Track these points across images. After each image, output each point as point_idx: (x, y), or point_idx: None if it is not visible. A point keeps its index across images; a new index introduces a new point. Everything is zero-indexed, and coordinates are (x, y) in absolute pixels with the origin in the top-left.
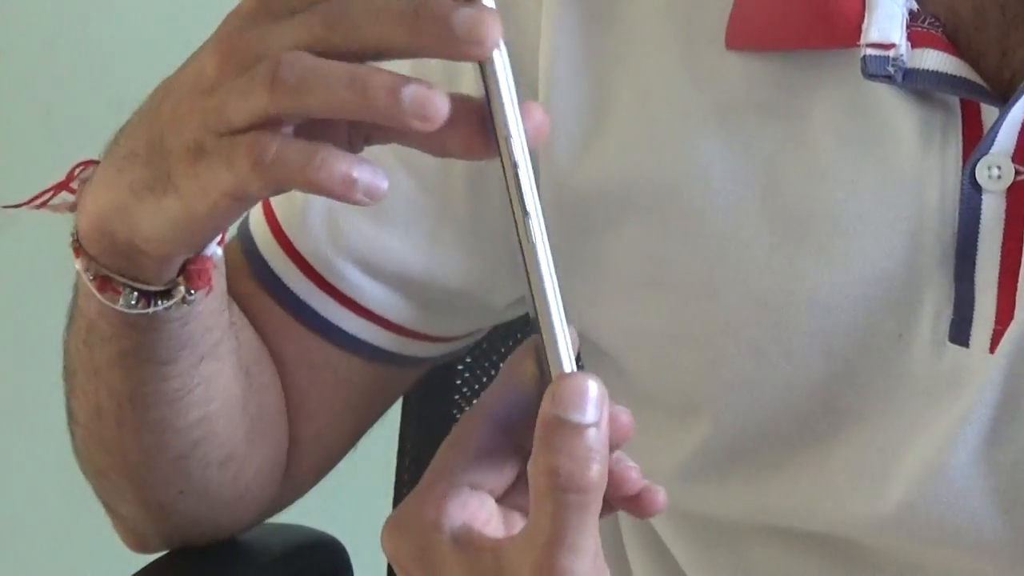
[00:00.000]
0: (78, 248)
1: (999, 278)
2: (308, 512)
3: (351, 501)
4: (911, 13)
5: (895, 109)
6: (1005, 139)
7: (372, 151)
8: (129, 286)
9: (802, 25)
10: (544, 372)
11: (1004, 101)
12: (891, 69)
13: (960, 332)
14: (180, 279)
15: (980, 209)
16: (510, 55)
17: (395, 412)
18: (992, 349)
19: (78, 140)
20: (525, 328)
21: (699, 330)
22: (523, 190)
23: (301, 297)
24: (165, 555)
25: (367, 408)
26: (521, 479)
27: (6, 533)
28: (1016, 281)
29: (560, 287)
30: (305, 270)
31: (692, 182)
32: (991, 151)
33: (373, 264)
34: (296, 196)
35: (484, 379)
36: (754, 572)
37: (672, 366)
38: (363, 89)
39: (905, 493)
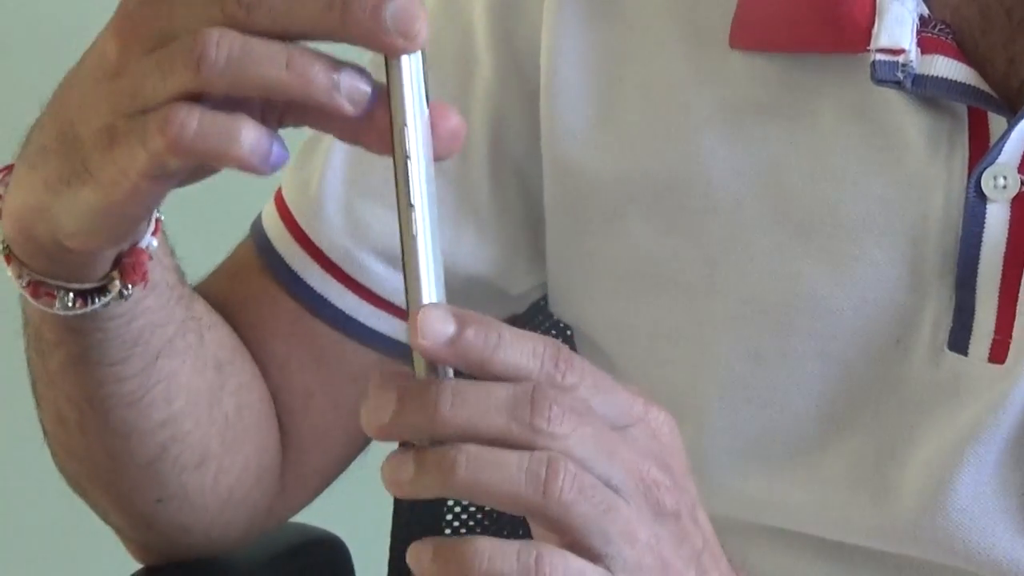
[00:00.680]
0: (8, 255)
1: (1000, 288)
2: (309, 510)
3: (353, 499)
4: (921, 19)
5: (903, 115)
6: (1012, 150)
7: None
8: (63, 287)
9: (810, 28)
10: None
11: (1012, 110)
12: (900, 75)
13: (959, 340)
14: (114, 274)
15: (984, 218)
16: (513, 45)
17: None
18: (991, 358)
19: None
20: (530, 322)
21: (696, 329)
22: (411, 182)
23: (318, 290)
24: None
25: None
26: None
27: (6, 533)
28: (1018, 292)
29: (440, 286)
30: (323, 264)
31: (694, 179)
32: (997, 161)
33: (394, 254)
34: (310, 188)
35: None
36: (754, 574)
37: (667, 364)
38: (302, 72)
39: (913, 507)
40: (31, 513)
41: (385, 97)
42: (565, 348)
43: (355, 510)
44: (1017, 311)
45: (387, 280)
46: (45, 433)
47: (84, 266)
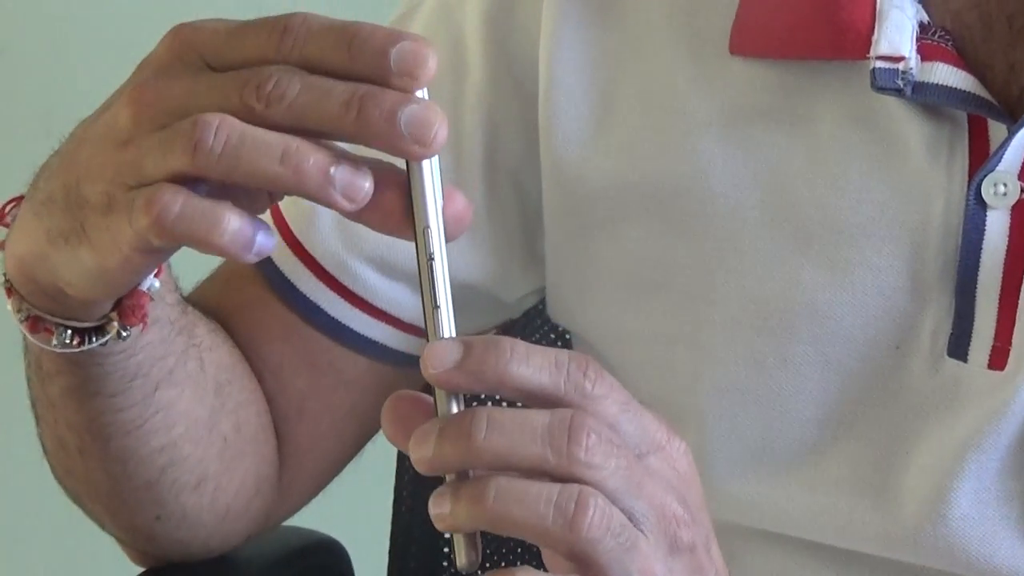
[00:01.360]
0: (9, 288)
1: (1000, 295)
2: (308, 513)
3: (351, 502)
4: (921, 25)
5: (902, 122)
6: (1012, 158)
7: None
8: (62, 325)
9: (810, 35)
10: None
11: (1012, 117)
12: (900, 82)
13: (958, 347)
14: (113, 315)
15: (984, 225)
16: (508, 51)
17: None
18: (991, 365)
19: None
20: (526, 329)
21: (695, 334)
22: (435, 282)
23: (311, 298)
24: None
25: (371, 412)
26: None
27: (7, 533)
28: (1018, 299)
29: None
30: (317, 272)
31: (693, 185)
32: (998, 168)
33: (390, 263)
34: (302, 201)
35: None
36: None
37: (666, 369)
38: (296, 167)
39: (913, 514)
40: (32, 513)
41: (392, 179)
42: (592, 359)
43: (354, 513)
44: (1017, 318)
45: (380, 289)
46: (45, 451)
47: (84, 309)
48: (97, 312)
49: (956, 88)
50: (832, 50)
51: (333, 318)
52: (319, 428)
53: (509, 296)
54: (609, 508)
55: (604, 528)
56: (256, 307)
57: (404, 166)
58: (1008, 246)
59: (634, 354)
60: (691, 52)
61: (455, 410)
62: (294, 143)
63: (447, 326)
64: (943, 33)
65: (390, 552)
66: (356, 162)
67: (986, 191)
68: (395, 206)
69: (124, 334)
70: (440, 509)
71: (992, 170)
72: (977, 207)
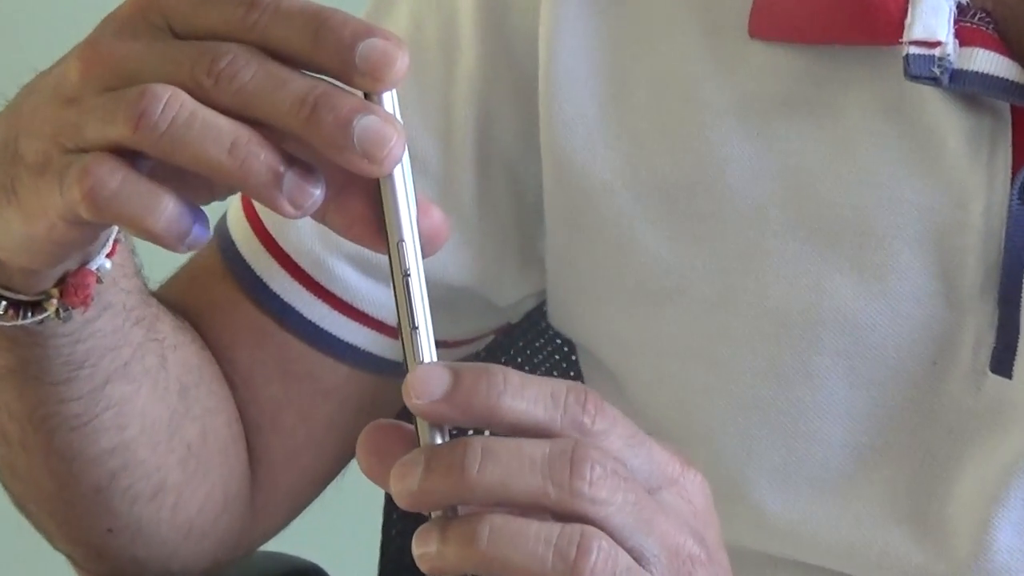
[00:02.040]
0: None
1: None
2: (287, 537)
3: (335, 525)
4: (959, 7)
5: (939, 113)
6: None
7: None
8: None
9: (838, 18)
10: None
11: None
12: (936, 70)
13: (1003, 362)
14: (54, 291)
15: None
16: (503, 32)
17: None
18: None
19: None
20: (528, 334)
21: (709, 346)
22: (412, 300)
23: (285, 299)
24: None
25: (353, 425)
26: None
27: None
28: None
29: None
30: (291, 270)
31: (708, 181)
32: None
33: (372, 261)
34: None
35: None
36: None
37: (677, 384)
38: (244, 161)
39: (954, 546)
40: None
41: (361, 183)
42: (593, 392)
43: (339, 537)
44: None
45: (360, 289)
46: None
47: (20, 276)
48: (36, 284)
49: (998, 76)
50: (861, 34)
51: (309, 321)
52: (295, 441)
53: (502, 300)
54: (614, 550)
55: (608, 573)
56: (225, 308)
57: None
58: None
59: (643, 367)
60: (707, 35)
61: (439, 440)
62: (246, 134)
63: (426, 349)
64: (984, 15)
65: None
66: (310, 167)
67: None
68: (363, 213)
69: (63, 315)
70: (426, 549)
71: None
72: (1021, 207)
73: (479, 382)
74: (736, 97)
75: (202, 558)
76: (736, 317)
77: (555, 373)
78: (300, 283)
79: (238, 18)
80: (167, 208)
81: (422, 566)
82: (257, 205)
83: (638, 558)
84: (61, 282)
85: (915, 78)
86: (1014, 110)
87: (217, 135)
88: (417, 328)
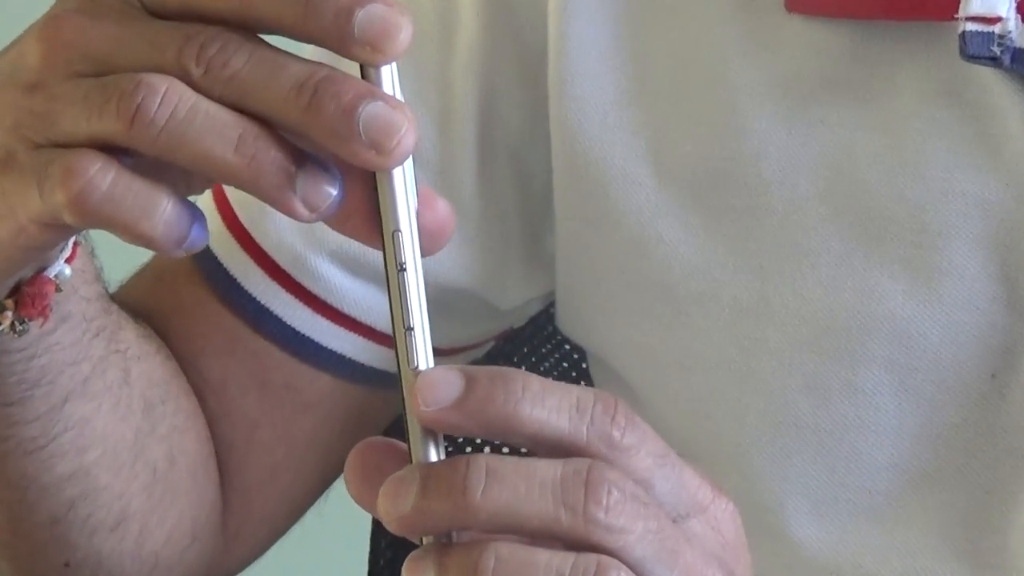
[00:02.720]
0: None
1: None
2: (264, 567)
3: (317, 553)
4: None
5: (1000, 97)
6: None
7: None
8: None
9: None
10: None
11: None
12: (996, 49)
13: None
14: (9, 303)
15: None
16: (512, 6)
17: None
18: None
19: None
20: (534, 340)
21: (740, 357)
22: (407, 298)
23: (262, 301)
24: None
25: (337, 442)
26: None
27: None
28: None
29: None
30: (269, 269)
31: (741, 172)
32: None
33: (357, 260)
34: None
35: None
36: None
37: (702, 400)
38: (253, 159)
39: None
40: None
41: (355, 169)
42: (622, 402)
43: (322, 567)
44: None
45: (346, 290)
46: None
47: None
48: None
49: None
50: (912, 8)
51: (289, 326)
52: (272, 461)
53: (505, 302)
54: None
55: None
56: (193, 312)
57: None
58: None
59: (663, 380)
60: (740, 8)
61: (433, 456)
62: (253, 128)
63: (422, 353)
64: None
65: None
66: (325, 163)
67: None
68: (359, 205)
69: (19, 328)
70: None
71: None
72: None
73: (495, 388)
74: (772, 78)
75: None
76: (771, 324)
77: None
78: (279, 283)
79: None
80: (165, 210)
81: None
82: (231, 194)
83: None
84: (15, 291)
85: (972, 58)
86: None
87: (222, 131)
88: (412, 330)
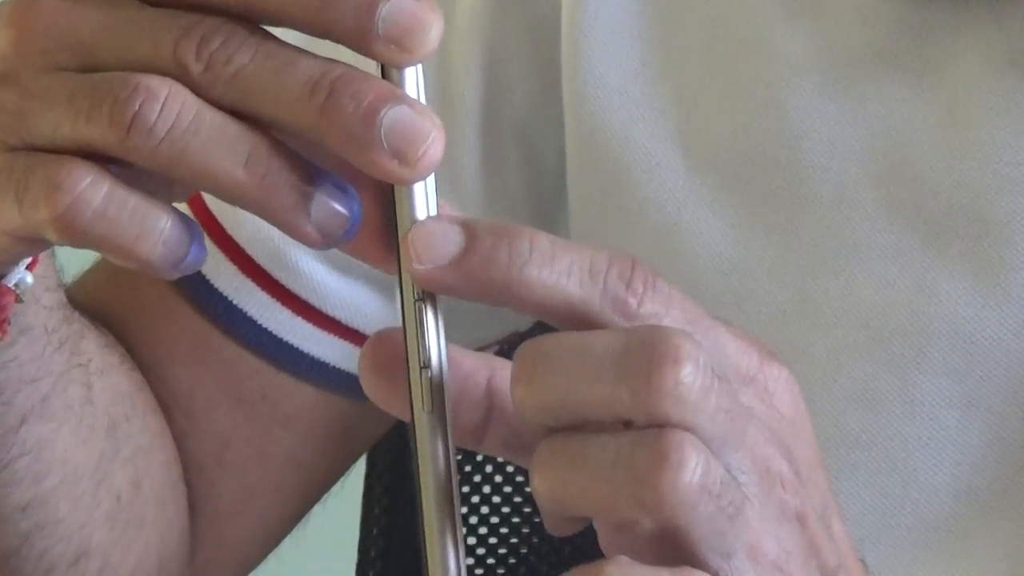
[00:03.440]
0: None
1: None
2: None
3: (304, 565)
4: None
5: None
6: None
7: None
8: None
9: None
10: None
11: None
12: None
13: None
14: None
15: None
16: None
17: (359, 465)
18: None
19: None
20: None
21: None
22: (426, 335)
23: (234, 302)
24: None
25: (319, 462)
26: None
27: None
28: None
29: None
30: (243, 264)
31: (782, 154)
32: None
33: (344, 255)
34: None
35: None
36: None
37: None
38: (265, 179)
39: None
40: None
41: (368, 181)
42: (643, 264)
43: None
44: None
45: (331, 288)
46: None
47: None
48: None
49: None
50: None
51: (265, 329)
52: (246, 483)
53: None
54: (710, 459)
55: (701, 488)
56: (157, 313)
57: None
58: None
59: None
60: None
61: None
62: (265, 142)
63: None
64: None
65: None
66: (341, 183)
67: None
68: (368, 218)
69: None
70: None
71: None
72: None
73: (499, 245)
74: (817, 49)
75: None
76: (816, 328)
77: None
78: (253, 280)
79: None
80: (165, 229)
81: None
82: None
83: (733, 477)
84: None
85: None
86: None
87: (231, 144)
88: (430, 368)
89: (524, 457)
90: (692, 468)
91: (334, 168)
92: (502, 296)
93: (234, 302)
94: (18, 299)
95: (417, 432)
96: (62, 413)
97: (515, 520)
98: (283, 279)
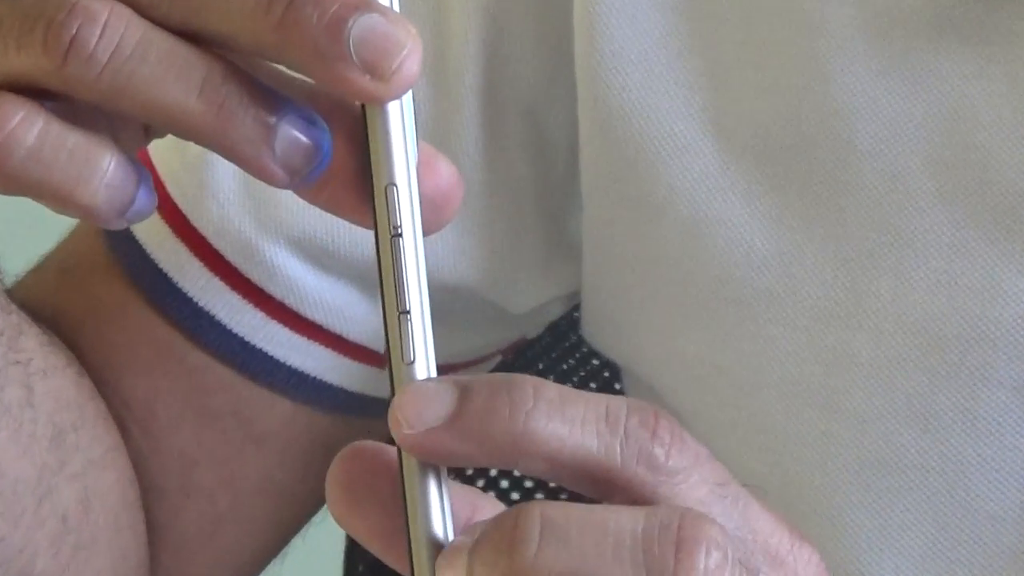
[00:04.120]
0: None
1: None
2: None
3: None
4: None
5: None
6: None
7: None
8: None
9: None
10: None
11: None
12: None
13: None
14: None
15: None
16: None
17: None
18: None
19: None
20: (544, 359)
21: (822, 375)
22: (404, 274)
23: (199, 302)
24: None
25: (298, 486)
26: None
27: None
28: None
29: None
30: (210, 261)
31: (826, 136)
32: None
33: (326, 248)
34: (190, 147)
35: None
36: None
37: (772, 431)
38: (223, 108)
39: None
40: None
41: (339, 118)
42: (664, 413)
43: None
44: None
45: (311, 288)
46: None
47: None
48: None
49: None
50: None
51: (236, 335)
52: (214, 510)
53: (518, 305)
54: None
55: None
56: (112, 316)
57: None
58: None
59: (723, 404)
60: None
61: (433, 495)
62: (221, 67)
63: (422, 350)
64: None
65: None
66: (309, 113)
67: None
68: (339, 161)
69: None
70: None
71: None
72: None
73: (497, 397)
74: (867, 17)
75: None
76: (864, 333)
77: None
78: (223, 279)
79: None
80: (108, 170)
81: None
82: (159, 163)
83: None
84: None
85: None
86: None
87: (182, 70)
88: (408, 313)
89: None
90: None
91: (302, 100)
92: (508, 453)
93: (200, 304)
94: None
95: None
96: None
97: None
98: (256, 277)
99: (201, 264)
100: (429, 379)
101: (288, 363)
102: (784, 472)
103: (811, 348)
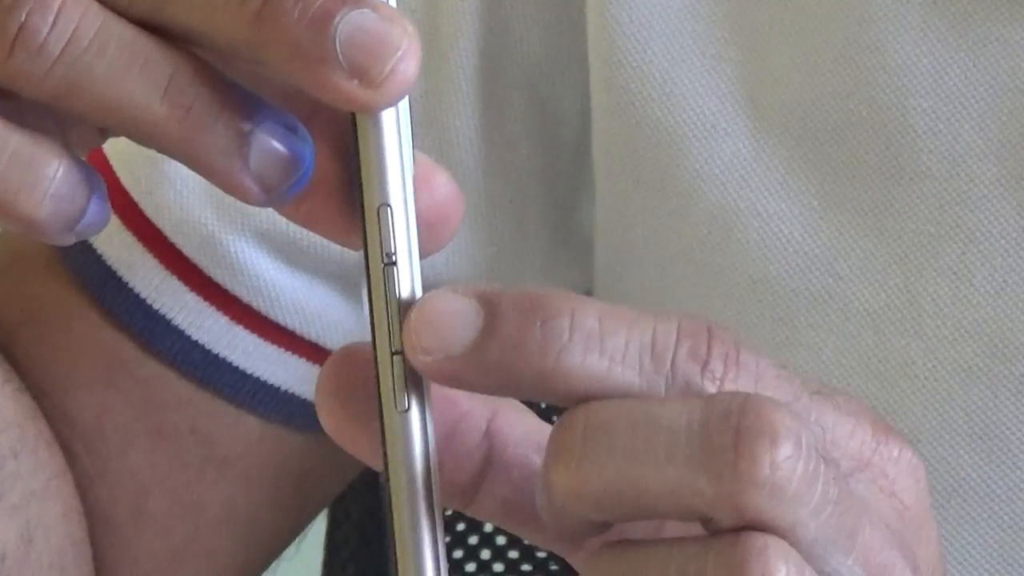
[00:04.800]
0: None
1: None
2: None
3: None
4: None
5: None
6: None
7: None
8: None
9: None
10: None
11: None
12: None
13: None
14: None
15: None
16: None
17: (319, 521)
18: None
19: None
20: None
21: (873, 387)
22: (399, 304)
23: (154, 304)
24: None
25: (267, 517)
26: None
27: None
28: None
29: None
30: (166, 258)
31: (876, 117)
32: None
33: (297, 243)
34: None
35: None
36: None
37: None
38: (189, 112)
39: None
40: None
41: (323, 129)
42: (720, 331)
43: None
44: None
45: (281, 288)
46: None
47: None
48: None
49: None
50: None
51: (196, 342)
52: (171, 543)
53: None
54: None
55: None
56: (54, 321)
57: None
58: None
59: None
60: None
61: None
62: (189, 65)
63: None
64: None
65: None
66: (288, 119)
67: None
68: (322, 175)
69: None
70: None
71: None
72: None
73: (527, 330)
74: None
75: None
76: (919, 340)
77: None
78: (181, 279)
79: None
80: (54, 177)
81: None
82: (110, 148)
83: None
84: None
85: None
86: None
87: (146, 67)
88: (404, 354)
89: (528, 529)
90: None
91: (282, 105)
92: (536, 390)
93: (154, 306)
94: None
95: (388, 441)
96: None
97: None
98: (219, 276)
99: (155, 260)
100: (451, 292)
101: (255, 374)
102: None
103: (859, 358)
